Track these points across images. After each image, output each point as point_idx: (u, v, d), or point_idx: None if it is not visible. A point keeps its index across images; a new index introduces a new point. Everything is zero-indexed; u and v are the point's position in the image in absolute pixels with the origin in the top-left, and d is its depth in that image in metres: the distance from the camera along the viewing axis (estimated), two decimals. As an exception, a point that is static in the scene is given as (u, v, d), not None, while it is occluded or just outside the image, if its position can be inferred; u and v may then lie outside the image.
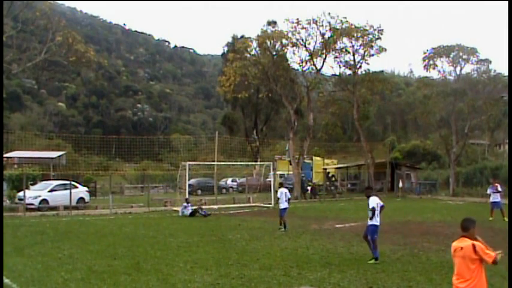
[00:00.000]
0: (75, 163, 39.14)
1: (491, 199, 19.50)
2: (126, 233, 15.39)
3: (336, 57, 38.28)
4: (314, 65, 37.12)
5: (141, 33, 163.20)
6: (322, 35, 35.83)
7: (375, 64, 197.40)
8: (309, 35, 35.91)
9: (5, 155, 32.94)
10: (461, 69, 42.37)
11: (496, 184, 19.82)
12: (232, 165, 39.22)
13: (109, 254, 11.46)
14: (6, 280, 8.58)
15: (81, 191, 26.76)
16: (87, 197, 27.17)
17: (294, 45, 36.48)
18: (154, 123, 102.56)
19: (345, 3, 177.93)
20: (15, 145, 37.94)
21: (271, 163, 33.54)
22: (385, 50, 38.23)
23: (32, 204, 23.70)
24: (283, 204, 16.54)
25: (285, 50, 37.64)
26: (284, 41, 36.53)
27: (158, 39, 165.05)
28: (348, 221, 19.09)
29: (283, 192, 16.81)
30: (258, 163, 36.62)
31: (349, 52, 38.00)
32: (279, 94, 38.25)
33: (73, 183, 25.46)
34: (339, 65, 39.17)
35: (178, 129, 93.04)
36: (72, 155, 45.15)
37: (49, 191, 24.98)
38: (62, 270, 9.48)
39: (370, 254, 11.02)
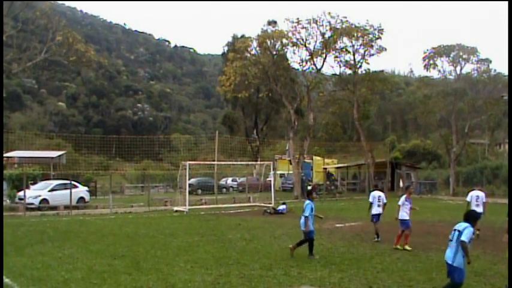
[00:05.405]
0: (75, 163, 39.07)
1: (403, 216, 12.68)
2: (126, 233, 15.38)
3: (336, 56, 38.29)
4: (314, 64, 37.15)
5: (141, 32, 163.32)
6: (323, 34, 35.81)
7: (375, 64, 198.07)
8: (309, 34, 35.93)
9: (5, 155, 32.89)
10: (461, 69, 42.48)
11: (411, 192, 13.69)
12: (233, 164, 39.21)
13: (109, 253, 11.46)
14: (6, 280, 8.58)
15: (81, 191, 26.79)
16: (87, 197, 27.19)
17: (294, 44, 36.47)
18: (155, 123, 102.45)
19: (345, 3, 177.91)
20: (15, 145, 37.89)
21: (272, 163, 33.50)
22: (385, 49, 38.37)
23: (32, 203, 23.75)
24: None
25: (285, 50, 37.69)
26: (284, 40, 36.52)
27: (158, 39, 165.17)
28: (348, 221, 19.09)
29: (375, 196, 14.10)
30: (258, 163, 36.57)
31: (349, 52, 38.01)
32: (279, 94, 38.22)
33: (73, 182, 25.47)
34: (339, 65, 39.24)
35: (179, 128, 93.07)
36: (72, 155, 45.11)
37: (49, 191, 25.01)
38: (62, 270, 9.47)
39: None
